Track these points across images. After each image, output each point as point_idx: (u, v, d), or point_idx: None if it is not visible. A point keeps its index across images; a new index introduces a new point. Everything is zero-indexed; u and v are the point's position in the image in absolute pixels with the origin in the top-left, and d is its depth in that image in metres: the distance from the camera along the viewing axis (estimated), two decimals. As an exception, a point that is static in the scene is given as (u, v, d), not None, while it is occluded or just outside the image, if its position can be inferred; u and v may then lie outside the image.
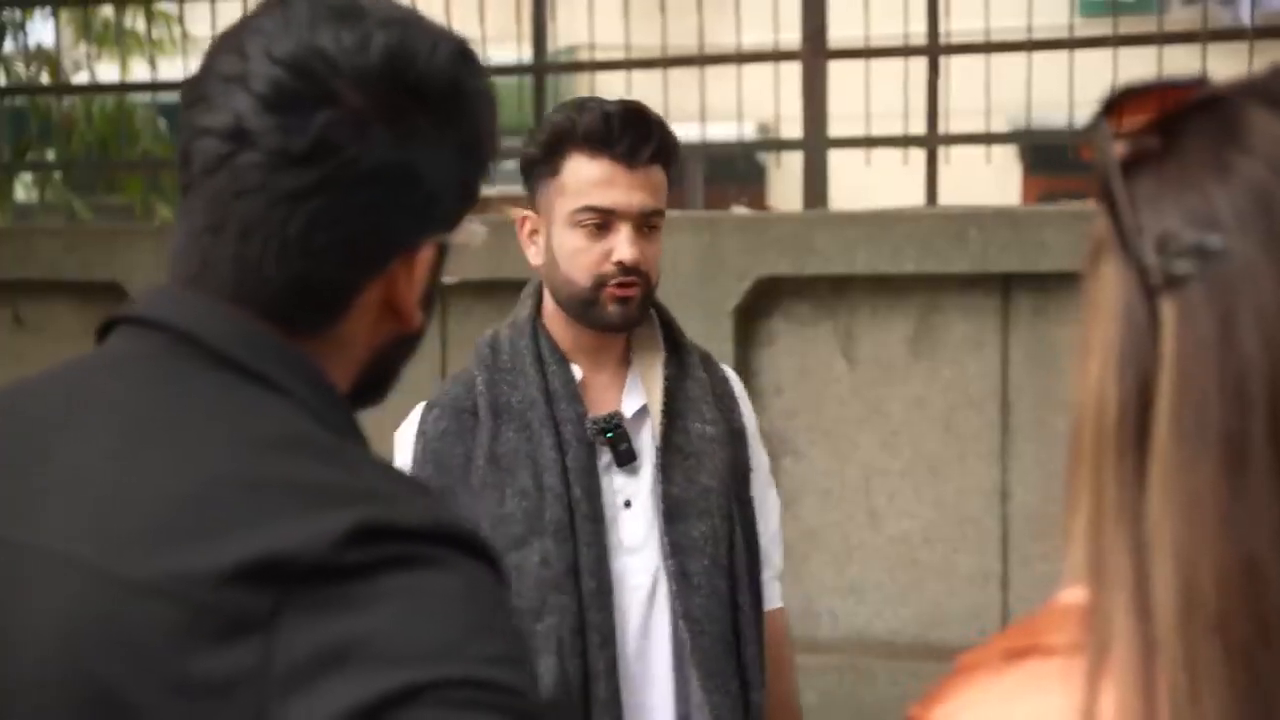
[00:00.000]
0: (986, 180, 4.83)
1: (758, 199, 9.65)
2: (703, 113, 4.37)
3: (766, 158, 9.62)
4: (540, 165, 2.06)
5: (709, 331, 3.86)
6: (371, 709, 0.84)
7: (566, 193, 2.03)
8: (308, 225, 1.00)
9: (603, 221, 2.02)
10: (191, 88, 1.04)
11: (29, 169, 5.98)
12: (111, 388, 1.02)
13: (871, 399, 3.93)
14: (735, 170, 4.84)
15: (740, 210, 5.71)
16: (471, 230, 1.11)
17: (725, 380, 2.20)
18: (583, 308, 2.05)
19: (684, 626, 2.03)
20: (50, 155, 5.84)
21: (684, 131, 4.63)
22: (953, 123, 4.45)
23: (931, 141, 4.37)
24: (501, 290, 4.20)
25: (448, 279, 1.14)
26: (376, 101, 1.01)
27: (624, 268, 2.01)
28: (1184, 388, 0.71)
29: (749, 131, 4.62)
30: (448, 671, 0.86)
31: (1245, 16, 4.38)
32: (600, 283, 2.03)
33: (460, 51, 1.06)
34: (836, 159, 4.30)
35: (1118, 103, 0.77)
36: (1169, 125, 0.77)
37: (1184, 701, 0.70)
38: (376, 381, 1.13)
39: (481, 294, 4.19)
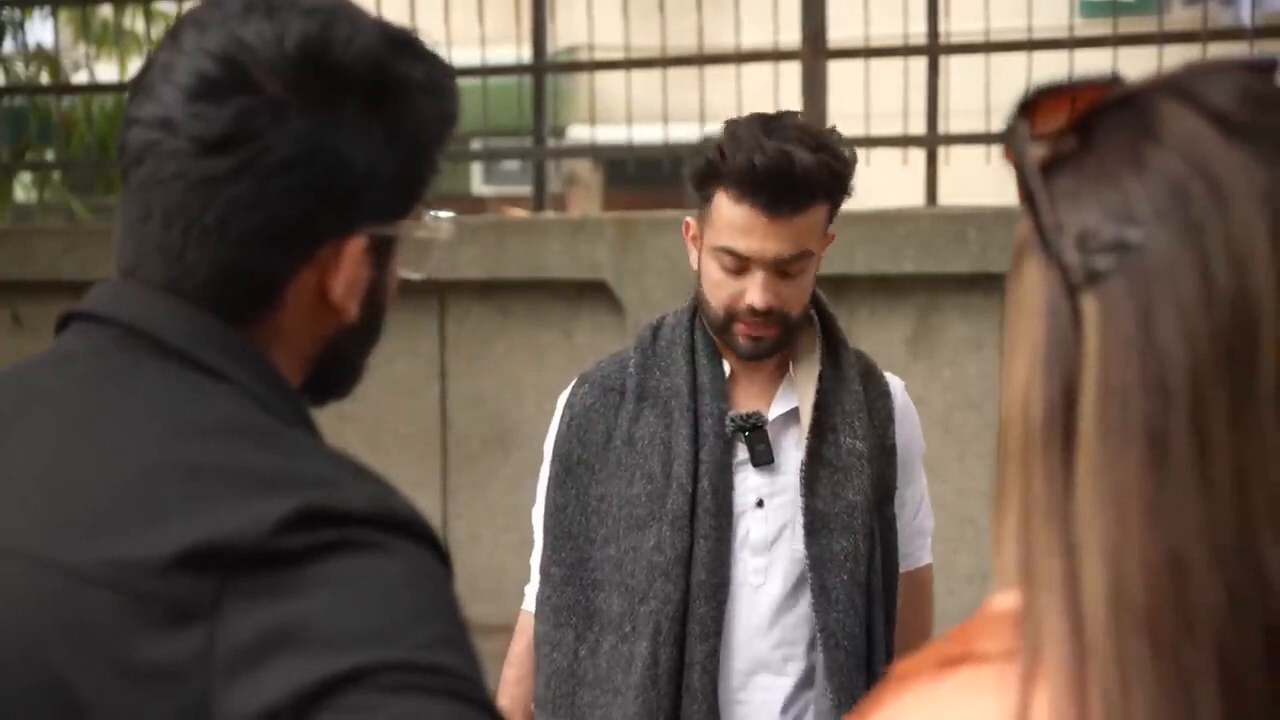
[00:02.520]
0: (986, 180, 4.82)
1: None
2: (702, 113, 4.37)
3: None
4: (698, 186, 2.05)
5: (708, 332, 3.86)
6: (314, 692, 0.85)
7: (712, 226, 2.03)
8: (225, 212, 1.01)
9: (739, 265, 2.00)
10: (136, 80, 1.06)
11: (28, 169, 5.98)
12: (58, 383, 1.03)
13: (871, 399, 3.93)
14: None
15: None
16: (436, 225, 1.11)
17: (885, 395, 2.16)
18: (719, 332, 2.07)
19: (820, 640, 2.04)
20: (49, 155, 5.84)
21: (683, 132, 4.66)
22: (952, 123, 4.45)
23: (931, 141, 4.37)
24: (500, 291, 4.21)
25: (411, 274, 1.13)
26: (294, 88, 1.01)
27: (754, 310, 2.00)
28: (1107, 383, 0.71)
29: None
30: (389, 655, 0.87)
31: (1246, 16, 4.37)
32: (732, 317, 2.03)
33: (390, 40, 1.06)
34: (836, 159, 4.29)
35: (1033, 103, 0.77)
36: (1085, 124, 0.77)
37: (1115, 700, 0.69)
38: (331, 375, 1.13)
39: (480, 294, 4.20)
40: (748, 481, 2.08)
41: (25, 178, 6.29)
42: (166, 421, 0.97)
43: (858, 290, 3.91)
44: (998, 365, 3.84)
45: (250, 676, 0.86)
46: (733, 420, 2.06)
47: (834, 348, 2.13)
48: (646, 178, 5.02)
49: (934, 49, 4.34)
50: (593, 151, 5.03)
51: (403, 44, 1.07)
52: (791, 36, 4.28)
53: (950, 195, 4.45)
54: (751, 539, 2.07)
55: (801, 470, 2.06)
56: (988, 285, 3.80)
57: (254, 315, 1.04)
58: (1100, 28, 4.28)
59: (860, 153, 4.21)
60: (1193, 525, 0.69)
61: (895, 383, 2.20)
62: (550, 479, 2.15)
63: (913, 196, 4.52)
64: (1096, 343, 0.72)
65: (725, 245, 1.99)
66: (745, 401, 2.11)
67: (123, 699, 0.88)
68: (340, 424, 4.03)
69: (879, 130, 4.26)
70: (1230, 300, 0.70)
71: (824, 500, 2.05)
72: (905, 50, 4.32)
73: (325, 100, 1.02)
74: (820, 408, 2.08)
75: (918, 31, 4.32)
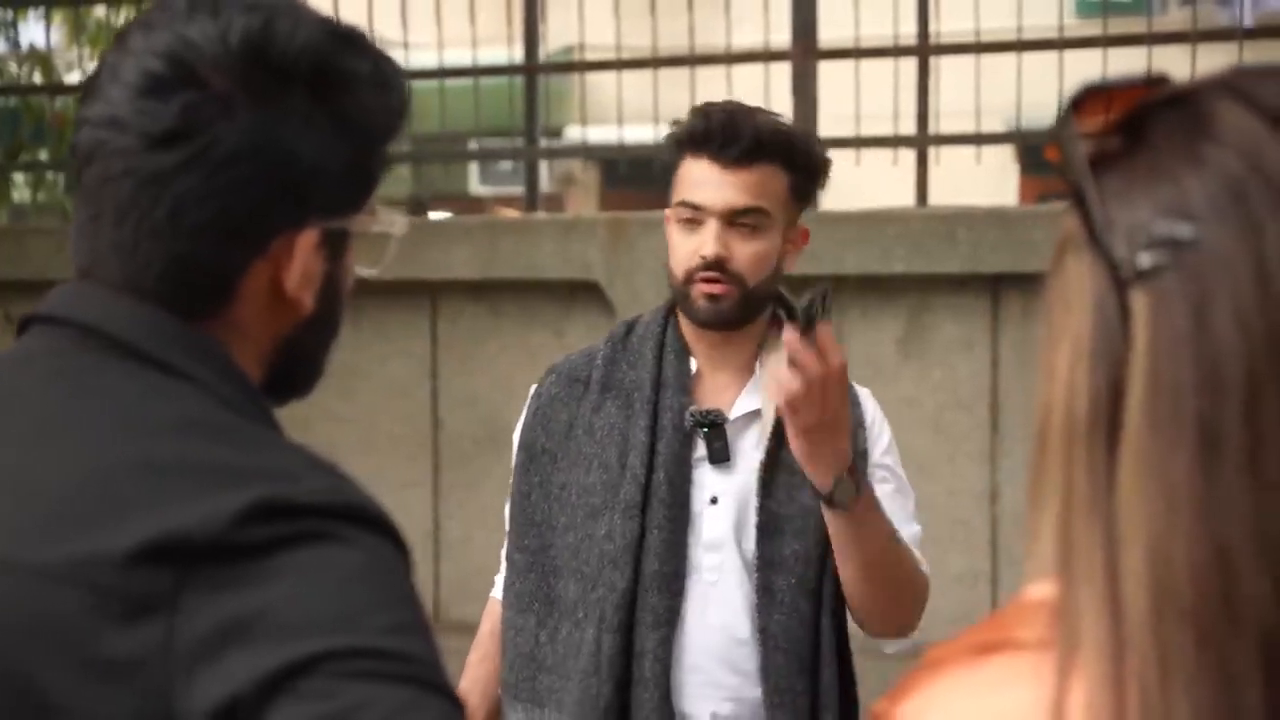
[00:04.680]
0: (977, 181, 4.83)
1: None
2: (693, 113, 4.37)
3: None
4: (670, 165, 2.13)
5: (699, 332, 3.86)
6: (273, 679, 0.86)
7: (675, 193, 2.11)
8: (175, 206, 1.02)
9: (694, 217, 2.07)
10: (87, 82, 1.08)
11: (22, 170, 5.97)
12: (17, 385, 1.05)
13: (861, 399, 3.93)
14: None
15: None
16: (390, 220, 1.12)
17: (854, 404, 2.15)
18: (680, 300, 2.12)
19: (759, 641, 2.05)
20: (43, 156, 5.83)
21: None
22: (943, 123, 4.46)
23: (922, 142, 4.38)
24: (492, 291, 4.21)
25: (366, 271, 1.15)
26: (240, 83, 1.03)
27: (707, 262, 2.04)
28: (1158, 378, 0.72)
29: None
30: (347, 641, 0.88)
31: (1242, 17, 4.37)
32: (689, 277, 2.07)
33: (334, 34, 1.07)
34: (827, 159, 4.30)
35: (1080, 102, 0.77)
36: (1132, 123, 0.78)
37: (1154, 694, 0.70)
38: (291, 371, 1.14)
39: (472, 294, 4.20)
40: (704, 478, 2.09)
41: (19, 178, 6.29)
42: (125, 421, 0.99)
43: (848, 290, 3.92)
44: (989, 365, 3.84)
45: (210, 667, 0.87)
46: (692, 415, 2.07)
47: None
48: (640, 177, 5.03)
49: (924, 49, 4.35)
50: (584, 151, 5.04)
51: (346, 39, 1.09)
52: (782, 37, 4.28)
53: (940, 195, 4.46)
54: (706, 535, 2.08)
55: (759, 471, 2.07)
56: (978, 285, 3.80)
57: (209, 310, 1.06)
58: (1091, 28, 4.28)
59: (850, 153, 4.28)
60: (1242, 520, 0.70)
61: (863, 392, 2.23)
62: (515, 467, 2.18)
63: (903, 197, 4.53)
64: (1147, 338, 0.72)
65: (682, 199, 2.07)
66: (709, 399, 2.12)
67: (90, 695, 0.89)
68: (332, 424, 4.04)
69: (869, 130, 4.26)
70: None
71: (779, 502, 2.07)
72: (895, 51, 4.33)
73: (270, 93, 1.04)
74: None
75: (908, 32, 4.32)
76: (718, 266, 2.04)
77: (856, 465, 1.98)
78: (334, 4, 4.44)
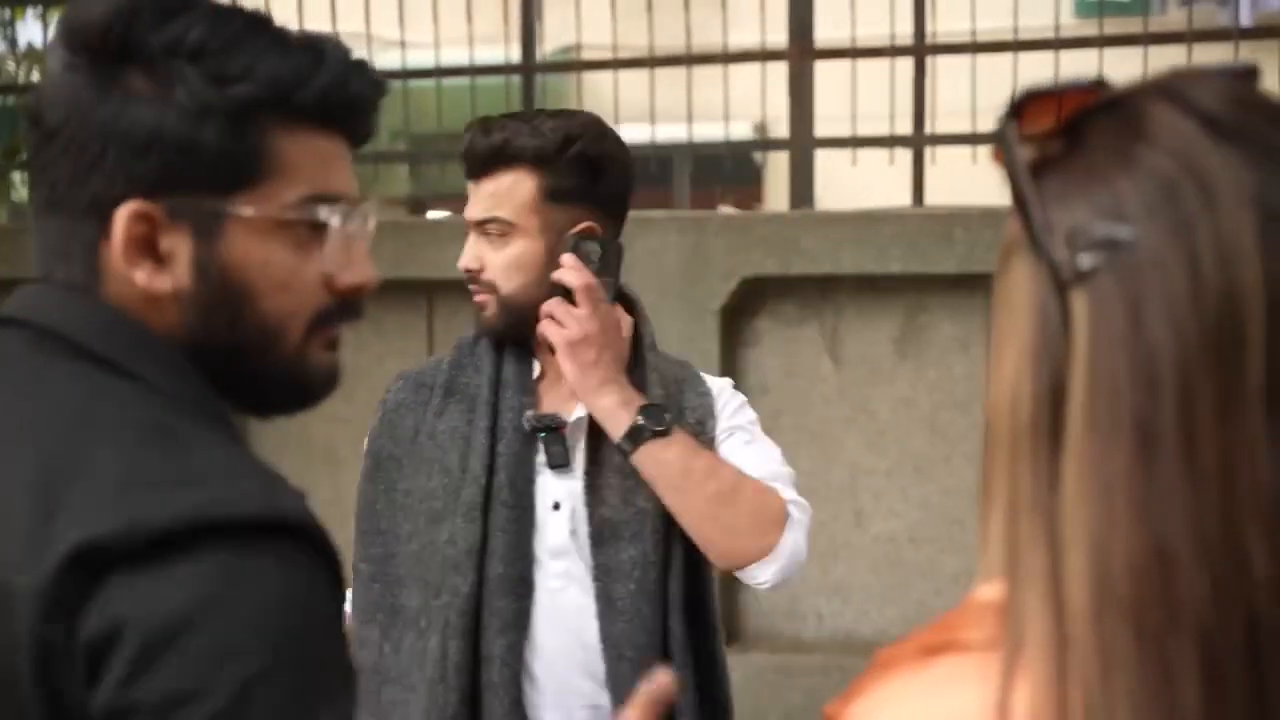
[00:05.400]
0: (973, 181, 4.83)
1: (752, 199, 9.66)
2: (689, 113, 4.38)
3: (764, 158, 9.63)
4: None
5: (694, 331, 3.86)
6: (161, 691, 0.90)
7: None
8: (36, 183, 1.07)
9: (468, 230, 2.08)
10: None
11: (21, 169, 5.97)
12: None
13: (857, 399, 3.94)
14: (722, 170, 4.84)
15: (726, 210, 5.71)
16: (327, 215, 1.10)
17: (704, 395, 2.15)
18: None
19: (603, 650, 2.01)
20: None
21: (671, 131, 4.67)
22: (939, 123, 4.46)
23: (918, 141, 4.38)
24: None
25: (338, 270, 1.13)
26: (71, 64, 1.06)
27: (465, 273, 2.07)
28: (1096, 379, 0.73)
29: (739, 131, 4.63)
30: (250, 664, 0.91)
31: (1244, 17, 4.38)
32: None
33: (131, 7, 1.06)
34: (823, 159, 4.31)
35: (1022, 105, 0.78)
36: (1074, 127, 0.78)
37: (1095, 693, 0.71)
38: (242, 375, 1.12)
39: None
40: (547, 484, 2.06)
41: (18, 177, 6.29)
42: (69, 423, 1.00)
43: (844, 290, 3.93)
44: (985, 365, 3.83)
45: (103, 670, 0.90)
46: (529, 420, 2.05)
47: (640, 355, 2.12)
48: (637, 176, 5.03)
49: (920, 49, 4.35)
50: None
51: (142, 8, 1.07)
52: (779, 37, 4.29)
53: (937, 195, 4.46)
54: (550, 541, 2.04)
55: (584, 478, 2.05)
56: (974, 285, 3.81)
57: (91, 288, 1.07)
58: (1088, 28, 4.29)
59: (847, 153, 4.27)
60: (1180, 517, 0.71)
61: (718, 383, 2.19)
62: (362, 475, 2.15)
63: (899, 196, 4.53)
64: (1086, 339, 0.73)
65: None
66: (550, 402, 2.09)
67: (29, 693, 0.92)
68: (329, 425, 4.04)
69: (865, 130, 4.27)
70: (1218, 296, 0.71)
71: (612, 508, 2.04)
72: (892, 50, 4.33)
73: (95, 68, 1.06)
74: None
75: (904, 32, 4.33)
76: (473, 278, 2.07)
77: (662, 410, 2.00)
78: (331, 3, 4.44)
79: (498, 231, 2.04)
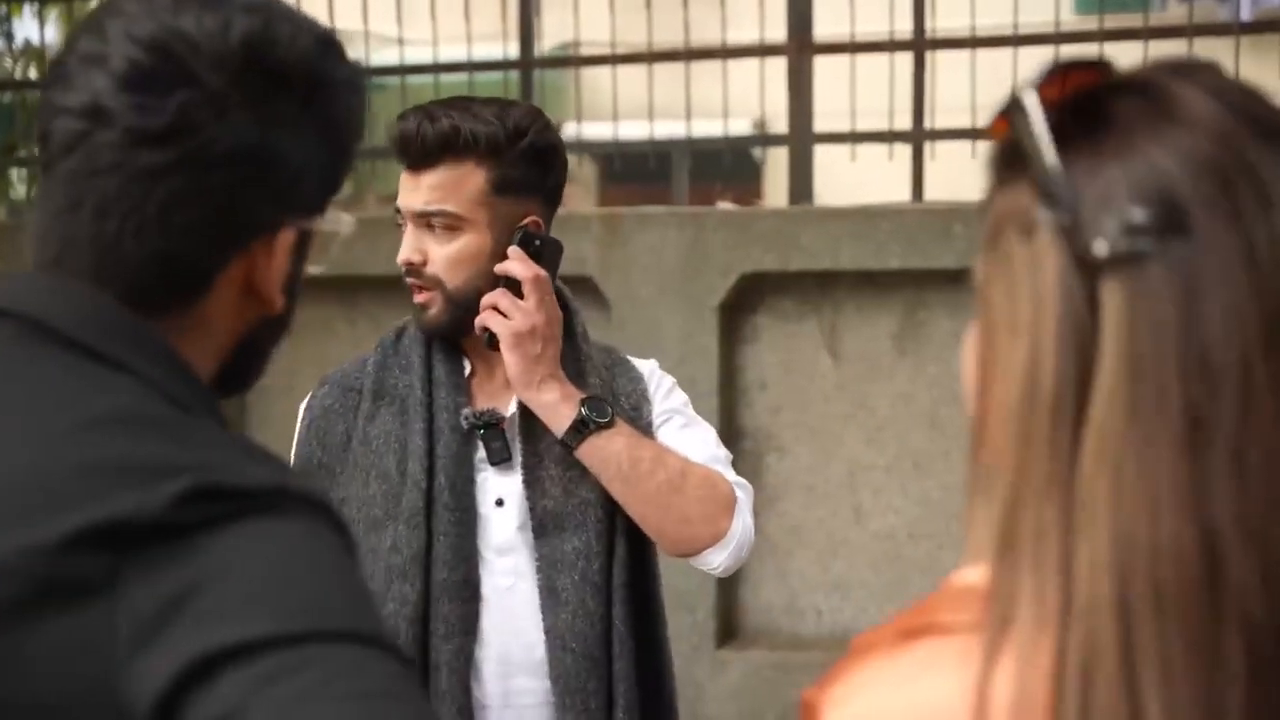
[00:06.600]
0: (972, 176, 4.83)
1: (751, 195, 9.65)
2: (688, 109, 4.37)
3: (764, 154, 9.62)
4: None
5: (693, 327, 3.86)
6: (220, 655, 0.86)
7: None
8: (166, 203, 1.02)
9: (401, 223, 2.02)
10: (53, 68, 1.07)
11: (18, 165, 5.97)
12: None
13: (856, 395, 3.94)
14: (721, 166, 4.84)
15: (725, 206, 5.71)
16: (339, 219, 1.13)
17: (636, 379, 2.13)
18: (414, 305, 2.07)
19: (545, 643, 1.99)
20: (38, 151, 5.83)
21: (670, 128, 4.66)
22: (938, 118, 4.46)
23: (917, 137, 4.38)
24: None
25: (313, 269, 1.15)
26: (236, 84, 1.03)
27: (405, 268, 2.00)
28: (1137, 366, 0.71)
29: (739, 127, 4.63)
30: (294, 626, 0.88)
31: (1244, 11, 4.38)
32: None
33: (323, 41, 1.08)
34: (822, 155, 4.30)
35: (1046, 79, 0.77)
36: (1090, 103, 0.77)
37: (1113, 681, 0.70)
38: (243, 367, 1.15)
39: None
40: (488, 481, 2.03)
41: (15, 174, 6.28)
42: (62, 415, 0.99)
43: (843, 286, 3.92)
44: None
45: (157, 645, 0.87)
46: (468, 417, 2.01)
47: (575, 346, 2.09)
48: (635, 173, 5.03)
49: (920, 44, 4.35)
50: (578, 148, 5.03)
51: (330, 44, 1.10)
52: (777, 32, 4.29)
53: (936, 191, 4.46)
54: (495, 539, 2.02)
55: (522, 472, 2.02)
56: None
57: (181, 305, 1.06)
58: (1088, 23, 4.28)
59: (846, 148, 4.27)
60: (1229, 508, 0.70)
61: (647, 365, 2.16)
62: None
63: (899, 192, 4.53)
64: (1121, 326, 0.72)
65: (396, 206, 2.03)
66: (485, 399, 2.06)
67: (36, 687, 0.89)
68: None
69: (865, 126, 4.27)
70: (1276, 288, 0.71)
71: (554, 499, 2.01)
72: (891, 45, 4.33)
73: (265, 97, 1.04)
74: None
75: (903, 27, 4.32)
76: (414, 272, 2.00)
77: (604, 402, 1.98)
78: (330, 1, 4.43)
79: (444, 224, 1.98)
